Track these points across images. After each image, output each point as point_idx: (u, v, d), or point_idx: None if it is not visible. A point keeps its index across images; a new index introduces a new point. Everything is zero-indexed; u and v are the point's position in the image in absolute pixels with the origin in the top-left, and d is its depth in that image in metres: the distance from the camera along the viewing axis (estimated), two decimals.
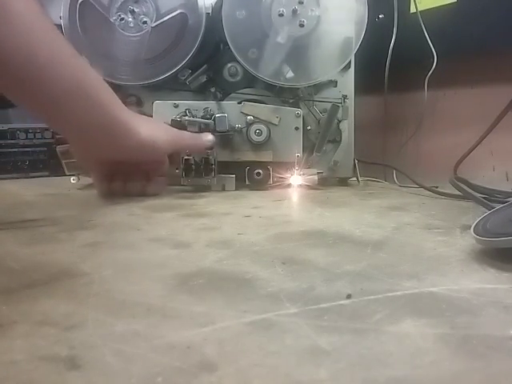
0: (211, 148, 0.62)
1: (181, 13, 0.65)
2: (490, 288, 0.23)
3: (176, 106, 0.66)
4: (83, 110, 0.45)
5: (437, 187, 0.60)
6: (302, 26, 0.64)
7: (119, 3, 0.65)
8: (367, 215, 0.45)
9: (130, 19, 0.65)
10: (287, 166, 0.66)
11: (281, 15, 0.64)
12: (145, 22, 0.65)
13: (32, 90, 0.42)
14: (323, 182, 0.68)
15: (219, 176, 0.63)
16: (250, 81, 0.69)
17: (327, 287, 0.24)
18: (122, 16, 0.64)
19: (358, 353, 0.17)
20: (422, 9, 0.73)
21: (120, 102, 0.50)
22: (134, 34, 0.65)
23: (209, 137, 0.61)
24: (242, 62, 0.66)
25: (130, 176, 0.56)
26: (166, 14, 0.65)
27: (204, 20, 0.66)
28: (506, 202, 0.40)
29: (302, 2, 0.64)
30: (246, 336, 0.18)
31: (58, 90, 0.43)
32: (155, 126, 0.56)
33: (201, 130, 0.64)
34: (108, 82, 0.69)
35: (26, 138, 0.90)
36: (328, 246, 0.32)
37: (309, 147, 0.68)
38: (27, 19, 0.40)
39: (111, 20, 0.64)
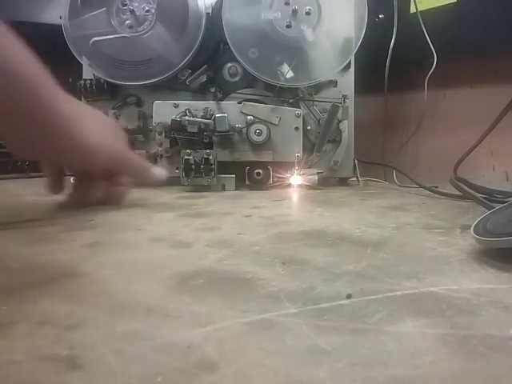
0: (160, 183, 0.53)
1: (149, 55, 0.65)
2: (490, 288, 0.23)
3: (176, 106, 0.66)
4: (5, 92, 0.36)
5: (437, 187, 0.60)
6: (308, 14, 0.64)
7: (115, 16, 0.65)
8: (367, 215, 0.45)
9: (135, 20, 0.65)
10: (287, 166, 0.66)
11: (288, 26, 0.64)
12: (148, 11, 0.65)
13: None
14: (323, 182, 0.68)
15: (219, 176, 0.63)
16: (250, 81, 0.69)
17: (327, 287, 0.24)
18: (126, 3, 0.64)
19: (358, 353, 0.17)
20: (422, 9, 0.73)
21: (59, 89, 0.40)
22: (147, 28, 0.65)
23: (161, 174, 0.52)
24: (241, 62, 0.66)
25: (84, 180, 0.49)
26: (145, 45, 0.65)
27: (204, 20, 0.66)
28: (506, 201, 0.40)
29: (305, 4, 0.64)
30: (246, 336, 0.18)
31: None
32: (103, 131, 0.46)
33: (201, 130, 0.64)
34: (108, 82, 0.69)
35: None
36: (328, 245, 0.32)
37: (309, 147, 0.68)
38: None
39: (124, 35, 0.64)
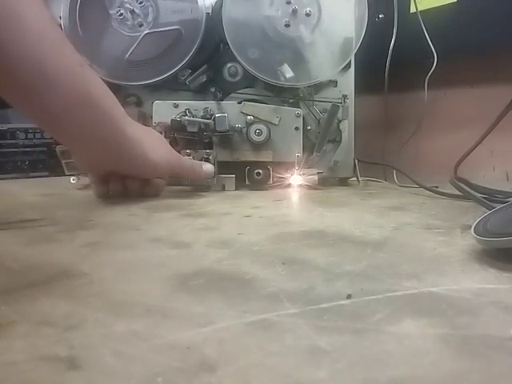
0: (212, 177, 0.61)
1: (177, 29, 0.65)
2: (491, 288, 0.23)
3: (176, 106, 0.66)
4: (90, 123, 0.44)
5: (437, 187, 0.60)
6: (308, 15, 0.64)
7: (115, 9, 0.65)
8: (367, 215, 0.45)
9: (128, 17, 0.65)
10: (287, 165, 0.66)
11: (287, 25, 0.64)
12: (141, 25, 0.65)
13: (39, 101, 0.41)
14: (323, 182, 0.68)
15: (219, 176, 0.63)
16: (250, 81, 0.69)
17: (327, 287, 0.23)
18: (122, 12, 0.64)
19: (358, 353, 0.17)
20: (422, 9, 0.73)
21: (126, 114, 0.49)
22: (128, 33, 0.65)
23: (209, 170, 0.60)
24: (241, 62, 0.66)
25: (127, 177, 0.56)
26: (164, 25, 0.65)
27: (204, 20, 0.66)
28: (506, 201, 0.40)
29: (305, 4, 0.64)
30: (246, 336, 0.18)
31: (65, 101, 0.41)
32: (160, 147, 0.54)
33: (201, 130, 0.64)
34: (108, 82, 0.69)
35: (26, 138, 0.90)
36: (328, 245, 0.32)
37: (309, 147, 0.68)
38: (38, 27, 0.39)
39: (110, 12, 0.64)
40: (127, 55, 0.65)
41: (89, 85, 0.43)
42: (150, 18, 0.65)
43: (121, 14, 0.64)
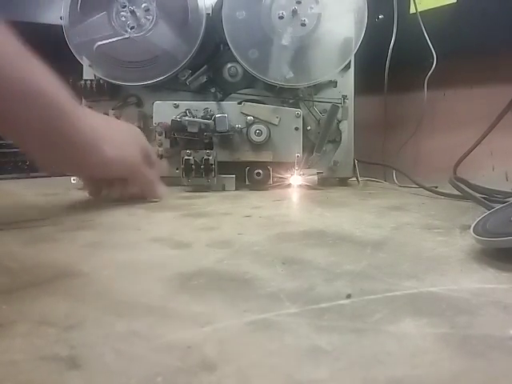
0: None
1: (155, 53, 0.66)
2: (490, 288, 0.23)
3: (176, 107, 0.66)
4: (36, 116, 0.39)
5: (436, 187, 0.60)
6: (303, 25, 0.64)
7: (116, 19, 0.65)
8: (367, 215, 0.45)
9: (127, 14, 0.65)
10: (287, 166, 0.66)
11: (281, 18, 0.64)
12: (132, 28, 0.65)
13: None
14: (323, 182, 0.68)
15: (219, 176, 0.63)
16: (250, 81, 0.69)
17: (327, 287, 0.24)
18: (125, 5, 0.64)
19: (358, 352, 0.17)
20: (422, 9, 0.73)
21: (79, 105, 0.44)
22: (116, 26, 0.65)
23: (163, 193, 0.54)
24: (241, 62, 0.66)
25: (116, 182, 0.52)
26: (149, 43, 0.65)
27: (204, 20, 0.66)
28: (506, 202, 0.40)
29: (300, 2, 0.64)
30: (246, 336, 0.18)
31: (7, 92, 0.37)
32: (124, 140, 0.49)
33: (201, 130, 0.64)
34: (108, 83, 0.69)
35: None
36: (328, 245, 0.32)
37: (309, 147, 0.68)
38: None
39: (128, 36, 0.64)
40: (100, 43, 0.65)
41: (32, 75, 0.39)
42: (143, 28, 0.65)
43: (124, 6, 0.64)
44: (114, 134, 0.47)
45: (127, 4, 0.64)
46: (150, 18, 0.65)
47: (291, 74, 0.66)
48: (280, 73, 0.66)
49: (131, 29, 0.65)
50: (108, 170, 0.48)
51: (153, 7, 0.65)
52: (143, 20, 0.65)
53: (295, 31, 0.64)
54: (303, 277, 0.25)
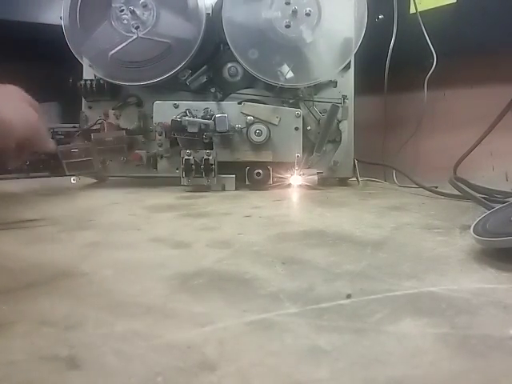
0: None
1: (167, 43, 0.65)
2: (490, 288, 0.23)
3: (176, 107, 0.66)
4: None
5: (436, 187, 0.60)
6: (308, 15, 0.64)
7: (118, 22, 0.65)
8: (367, 215, 0.45)
9: (127, 16, 0.65)
10: (287, 166, 0.66)
11: (287, 26, 0.64)
12: (137, 28, 0.65)
13: None
14: (323, 182, 0.68)
15: (219, 176, 0.63)
16: (250, 81, 0.69)
17: (327, 287, 0.24)
18: (123, 8, 0.64)
19: (358, 352, 0.17)
20: (422, 9, 0.73)
21: None
22: (121, 30, 0.65)
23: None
24: (242, 62, 0.66)
25: None
26: (158, 35, 0.65)
27: (204, 20, 0.66)
28: (506, 202, 0.40)
29: (289, 2, 0.64)
30: (246, 336, 0.18)
31: None
32: (8, 105, 0.46)
33: (201, 130, 0.64)
34: (108, 83, 0.69)
35: None
36: (328, 245, 0.32)
37: (309, 147, 0.68)
38: None
39: (112, 5, 0.64)
40: (112, 52, 0.65)
41: None
42: (147, 24, 0.65)
43: (122, 10, 0.64)
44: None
45: (124, 7, 0.64)
46: (151, 12, 0.65)
47: (291, 74, 0.66)
48: (280, 73, 0.66)
49: (136, 28, 0.65)
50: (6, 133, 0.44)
51: (150, 1, 0.65)
52: (145, 16, 0.65)
53: (308, 24, 0.64)
54: (303, 277, 0.25)
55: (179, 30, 0.66)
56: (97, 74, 0.69)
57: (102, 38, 0.65)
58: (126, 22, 0.65)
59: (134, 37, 0.65)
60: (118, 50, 0.65)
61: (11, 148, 0.47)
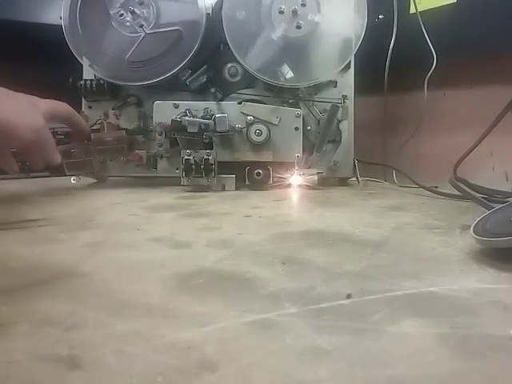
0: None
1: (177, 30, 0.65)
2: (490, 288, 0.23)
3: (176, 107, 0.66)
4: None
5: (436, 187, 0.60)
6: (298, 27, 0.64)
7: (123, 0, 0.65)
8: (367, 215, 0.45)
9: (128, 18, 0.65)
10: (287, 166, 0.66)
11: (281, 12, 0.64)
12: (141, 26, 0.65)
13: None
14: (323, 182, 0.68)
15: (219, 176, 0.63)
16: (250, 81, 0.69)
17: (327, 287, 0.24)
18: (122, 12, 0.64)
19: (358, 352, 0.17)
20: (422, 9, 0.73)
21: None
22: (128, 33, 0.65)
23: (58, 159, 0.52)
24: (242, 62, 0.66)
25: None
26: (164, 25, 0.65)
27: (204, 20, 0.66)
28: (506, 202, 0.40)
29: (304, 5, 0.64)
30: (246, 336, 0.18)
31: None
32: (16, 106, 0.46)
33: (201, 130, 0.64)
34: (108, 83, 0.69)
35: None
36: (328, 245, 0.32)
37: (309, 147, 0.68)
38: None
39: (110, 13, 0.64)
40: (127, 56, 0.65)
41: None
42: (150, 19, 0.65)
43: (121, 15, 0.64)
44: (5, 101, 0.45)
45: (122, 11, 0.64)
46: (149, 6, 0.65)
47: (291, 74, 0.66)
48: (280, 73, 0.66)
49: (141, 27, 0.65)
50: (12, 135, 0.45)
51: (154, 14, 0.65)
52: (145, 13, 0.65)
53: (288, 29, 0.64)
54: (303, 277, 0.25)
55: (183, 13, 0.65)
56: (97, 74, 0.69)
57: (111, 45, 0.65)
58: (128, 24, 0.65)
59: (142, 35, 0.65)
60: (132, 53, 0.65)
61: (11, 152, 0.48)
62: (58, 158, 0.52)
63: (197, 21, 0.65)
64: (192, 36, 0.66)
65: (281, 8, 0.64)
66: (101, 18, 0.65)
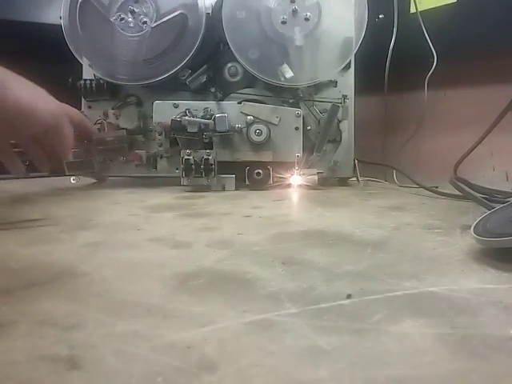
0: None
1: (181, 13, 0.65)
2: (490, 288, 0.23)
3: (176, 106, 0.66)
4: None
5: (437, 187, 0.60)
6: (307, 19, 0.64)
7: (119, 3, 0.65)
8: (367, 215, 0.45)
9: (130, 19, 0.65)
10: (287, 166, 0.66)
11: (283, 22, 0.64)
12: (145, 23, 0.65)
13: None
14: (323, 182, 0.68)
15: (219, 176, 0.63)
16: (250, 81, 0.69)
17: (327, 287, 0.24)
18: (122, 16, 0.64)
19: (358, 353, 0.17)
20: (422, 9, 0.73)
21: None
22: (134, 34, 0.65)
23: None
24: (241, 62, 0.66)
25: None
26: (166, 14, 0.65)
27: (204, 20, 0.66)
28: (506, 202, 0.40)
29: (294, 1, 0.64)
30: (246, 336, 0.18)
31: None
32: (36, 92, 0.46)
33: (201, 130, 0.64)
34: (108, 82, 0.69)
35: None
36: (328, 246, 0.32)
37: (309, 147, 0.68)
38: None
39: (111, 20, 0.64)
40: (143, 55, 0.65)
41: None
42: (151, 13, 0.65)
43: (122, 19, 0.64)
44: (23, 85, 0.45)
45: (122, 15, 0.64)
46: (146, 0, 0.65)
47: (291, 74, 0.66)
48: (280, 72, 0.66)
49: (144, 23, 0.65)
50: (32, 118, 0.44)
51: (153, 7, 0.65)
52: (144, 9, 0.65)
53: (303, 28, 0.64)
54: (303, 277, 0.25)
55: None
56: (97, 74, 0.69)
57: (122, 50, 0.66)
58: (132, 24, 0.65)
59: (149, 30, 0.64)
60: (146, 52, 0.65)
61: (17, 152, 0.47)
62: (70, 152, 0.52)
63: (197, 3, 0.65)
64: (196, 19, 0.65)
65: (283, 18, 0.64)
66: (101, 17, 0.65)
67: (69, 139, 0.51)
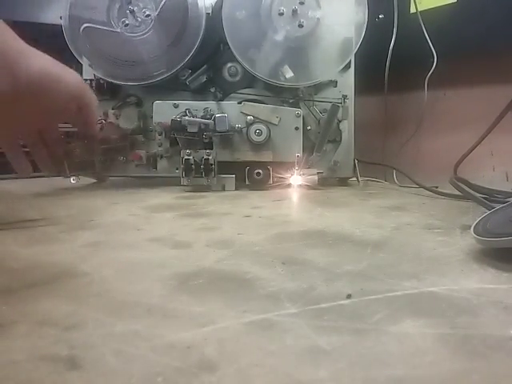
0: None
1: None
2: (490, 288, 0.23)
3: (176, 106, 0.66)
4: None
5: (437, 187, 0.60)
6: (301, 26, 0.64)
7: (116, 11, 0.65)
8: (367, 215, 0.45)
9: (133, 20, 0.65)
10: (287, 166, 0.66)
11: (281, 14, 0.64)
12: (148, 15, 0.65)
13: None
14: (323, 182, 0.68)
15: (219, 176, 0.63)
16: (250, 81, 0.69)
17: (327, 287, 0.24)
18: (126, 22, 0.64)
19: (358, 353, 0.17)
20: (422, 9, 0.73)
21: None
22: (144, 31, 0.65)
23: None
24: (241, 62, 0.66)
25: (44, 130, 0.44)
26: None
27: (204, 20, 0.66)
28: (506, 202, 0.40)
29: (303, 3, 0.64)
30: (246, 336, 0.18)
31: None
32: (57, 62, 0.43)
33: (201, 130, 0.64)
34: (108, 82, 0.69)
35: None
36: (328, 246, 0.32)
37: (309, 147, 0.68)
38: None
39: (118, 31, 0.64)
40: (156, 55, 0.65)
41: None
42: (149, 4, 0.65)
43: (126, 24, 0.65)
44: (46, 58, 0.43)
45: (126, 20, 0.65)
46: (148, 23, 0.65)
47: (291, 74, 0.66)
48: (280, 72, 0.66)
49: (148, 16, 0.65)
50: (58, 87, 0.41)
51: (153, 14, 0.65)
52: (141, 4, 0.65)
53: (291, 30, 0.64)
54: (303, 277, 0.25)
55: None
56: (97, 74, 0.69)
57: (139, 49, 0.65)
58: (137, 24, 0.65)
59: (154, 20, 0.64)
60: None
61: (24, 152, 0.44)
62: (96, 127, 0.48)
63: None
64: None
65: (280, 10, 0.64)
66: (111, 37, 0.65)
67: (95, 113, 0.47)
